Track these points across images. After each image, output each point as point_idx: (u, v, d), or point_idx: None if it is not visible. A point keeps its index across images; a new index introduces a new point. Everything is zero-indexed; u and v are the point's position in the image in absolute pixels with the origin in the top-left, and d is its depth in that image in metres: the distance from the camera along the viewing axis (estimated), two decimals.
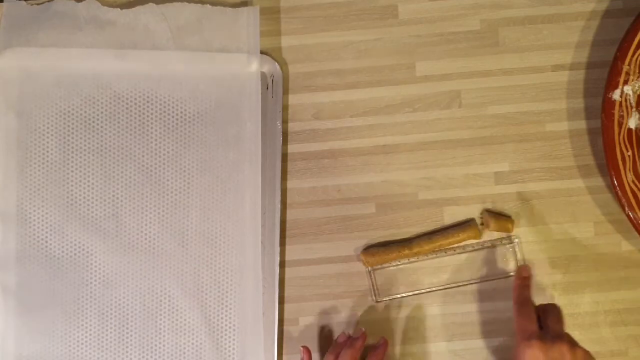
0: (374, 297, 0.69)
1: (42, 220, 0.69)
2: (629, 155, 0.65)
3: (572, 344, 0.59)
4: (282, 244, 0.70)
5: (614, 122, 0.65)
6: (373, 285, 0.69)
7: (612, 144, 0.65)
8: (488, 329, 0.69)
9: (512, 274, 0.69)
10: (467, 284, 0.69)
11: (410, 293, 0.69)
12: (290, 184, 0.71)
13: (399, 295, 0.69)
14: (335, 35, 0.71)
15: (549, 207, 0.69)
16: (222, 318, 0.69)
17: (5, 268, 0.68)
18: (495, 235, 0.69)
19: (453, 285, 0.69)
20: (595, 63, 0.70)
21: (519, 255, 0.69)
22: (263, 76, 0.70)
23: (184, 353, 0.69)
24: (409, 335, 0.69)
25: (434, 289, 0.69)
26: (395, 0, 0.71)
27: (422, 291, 0.69)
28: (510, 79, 0.71)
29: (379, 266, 0.69)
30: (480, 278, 0.69)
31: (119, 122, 0.70)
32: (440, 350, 0.69)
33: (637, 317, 0.69)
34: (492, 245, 0.69)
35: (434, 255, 0.69)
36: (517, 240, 0.69)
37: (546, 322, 0.61)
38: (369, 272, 0.69)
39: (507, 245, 0.69)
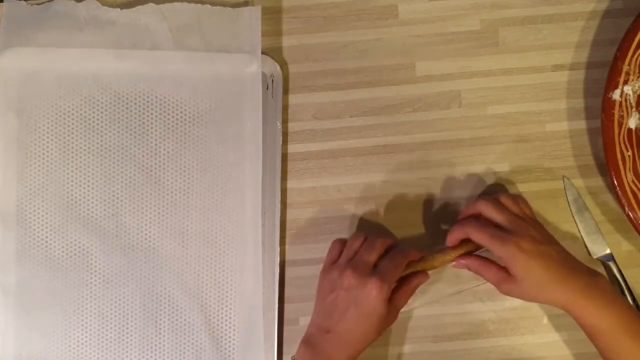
0: None
1: (42, 220, 0.69)
2: (629, 155, 0.65)
3: (529, 223, 0.62)
4: (282, 244, 0.70)
5: (614, 122, 0.65)
6: None
7: (612, 144, 0.65)
8: (488, 329, 0.69)
9: None
10: (469, 288, 0.69)
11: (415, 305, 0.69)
12: (290, 184, 0.71)
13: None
14: (335, 35, 0.71)
15: (549, 207, 0.69)
16: (222, 318, 0.69)
17: (5, 268, 0.68)
18: None
19: (455, 292, 0.69)
20: (595, 63, 0.70)
21: None
22: (263, 76, 0.70)
23: (184, 353, 0.69)
24: (408, 335, 0.69)
25: (434, 299, 0.69)
26: (395, 0, 0.71)
27: (424, 303, 0.69)
28: (510, 79, 0.71)
29: None
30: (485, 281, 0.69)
31: (119, 122, 0.70)
32: (440, 350, 0.69)
33: None
34: None
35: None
36: None
37: (495, 221, 0.62)
38: None
39: None
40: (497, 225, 0.62)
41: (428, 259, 0.65)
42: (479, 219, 0.63)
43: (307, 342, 0.62)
